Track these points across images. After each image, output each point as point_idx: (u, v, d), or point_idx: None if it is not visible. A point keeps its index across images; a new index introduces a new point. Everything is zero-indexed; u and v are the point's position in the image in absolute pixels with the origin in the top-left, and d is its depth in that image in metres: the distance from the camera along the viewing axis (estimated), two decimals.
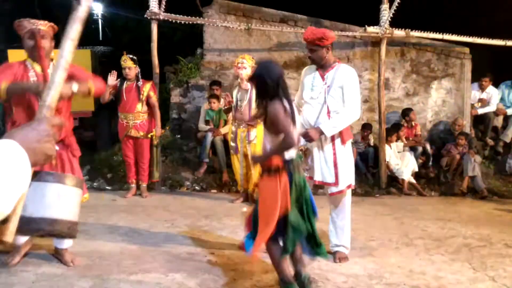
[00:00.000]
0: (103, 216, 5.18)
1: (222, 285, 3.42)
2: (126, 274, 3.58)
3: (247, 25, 7.43)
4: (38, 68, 3.55)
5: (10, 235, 1.02)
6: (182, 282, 3.46)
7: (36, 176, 1.25)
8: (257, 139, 5.81)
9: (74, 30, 1.19)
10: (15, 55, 8.81)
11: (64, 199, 4.20)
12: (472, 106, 8.71)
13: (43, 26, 3.49)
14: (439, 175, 7.81)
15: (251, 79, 3.16)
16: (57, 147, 0.96)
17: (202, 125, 7.45)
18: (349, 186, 4.02)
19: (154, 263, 3.83)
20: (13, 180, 0.86)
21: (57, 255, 3.81)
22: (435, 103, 8.56)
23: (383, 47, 7.45)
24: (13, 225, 1.01)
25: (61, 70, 1.15)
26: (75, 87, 3.36)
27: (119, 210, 5.57)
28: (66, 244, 3.74)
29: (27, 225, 3.98)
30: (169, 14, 6.95)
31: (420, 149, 7.89)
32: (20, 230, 1.08)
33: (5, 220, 0.99)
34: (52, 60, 3.63)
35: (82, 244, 4.17)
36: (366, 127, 7.84)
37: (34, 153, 0.95)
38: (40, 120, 1.02)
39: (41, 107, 1.11)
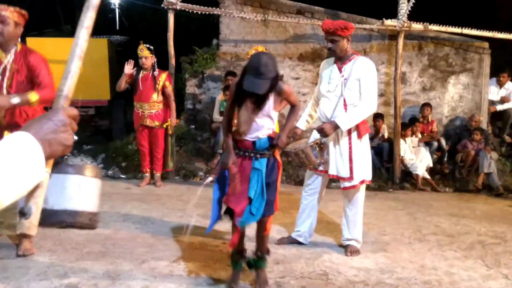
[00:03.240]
0: (117, 204, 5.24)
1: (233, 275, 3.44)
2: (139, 261, 3.62)
3: (263, 16, 7.40)
4: (1, 54, 3.52)
5: (33, 228, 1.03)
6: (194, 271, 3.49)
7: (56, 167, 1.23)
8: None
9: (88, 18, 1.17)
10: (34, 43, 8.91)
11: (84, 191, 4.25)
12: (491, 102, 8.58)
13: (4, 10, 3.42)
14: (454, 171, 7.73)
15: (274, 77, 2.93)
16: (76, 137, 0.96)
17: (216, 116, 7.46)
18: (362, 182, 4.00)
19: (166, 252, 3.87)
20: (20, 173, 0.86)
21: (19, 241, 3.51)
22: (452, 98, 8.46)
23: (401, 41, 7.36)
24: (35, 218, 1.02)
25: (76, 59, 1.14)
26: (15, 100, 3.28)
27: (133, 199, 5.63)
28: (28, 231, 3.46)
29: (49, 217, 4.04)
30: (185, 4, 6.95)
31: (435, 144, 7.81)
32: (43, 223, 1.10)
33: (27, 214, 1.00)
34: (16, 45, 3.56)
35: (96, 231, 4.23)
36: (377, 116, 7.69)
37: (49, 144, 0.94)
38: (56, 110, 1.02)
39: (58, 97, 1.10)
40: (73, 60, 1.14)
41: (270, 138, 3.12)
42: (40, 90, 3.44)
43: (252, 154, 3.09)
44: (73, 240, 4.00)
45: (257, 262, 3.28)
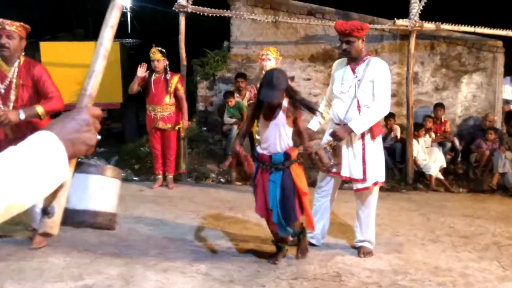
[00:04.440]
0: (130, 206, 5.27)
1: (246, 276, 3.45)
2: (152, 263, 3.64)
3: (274, 17, 7.40)
4: (4, 66, 3.64)
5: (55, 227, 1.01)
6: (206, 272, 3.50)
7: (79, 167, 1.20)
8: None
9: (113, 17, 1.15)
10: (47, 48, 9.02)
11: (105, 191, 4.30)
12: (505, 102, 8.49)
13: (10, 26, 3.57)
14: (468, 171, 7.65)
15: (285, 91, 3.38)
16: (99, 136, 0.96)
17: (227, 118, 7.49)
18: (375, 183, 3.97)
19: (179, 253, 3.89)
20: (43, 173, 0.85)
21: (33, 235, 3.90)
22: (465, 98, 8.38)
23: (413, 40, 7.31)
24: (58, 217, 1.01)
25: (101, 58, 1.12)
26: (22, 115, 3.46)
27: (146, 201, 5.66)
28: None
29: (71, 217, 4.08)
30: (196, 6, 6.98)
31: (448, 144, 7.74)
32: (64, 223, 1.08)
33: (50, 213, 0.99)
34: (19, 58, 3.70)
35: (109, 233, 4.25)
36: (388, 116, 7.54)
37: (72, 143, 0.94)
38: (79, 110, 1.01)
39: (82, 96, 1.09)
40: (97, 59, 1.12)
41: (285, 153, 3.44)
42: (45, 102, 3.63)
43: (268, 167, 3.48)
44: (87, 242, 4.04)
45: (298, 235, 3.76)
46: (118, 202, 4.45)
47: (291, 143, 3.49)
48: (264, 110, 3.45)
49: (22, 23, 3.67)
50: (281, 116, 3.40)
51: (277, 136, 3.42)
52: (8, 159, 0.80)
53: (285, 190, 3.44)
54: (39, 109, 3.56)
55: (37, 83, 3.67)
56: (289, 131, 3.46)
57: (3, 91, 3.64)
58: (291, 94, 3.40)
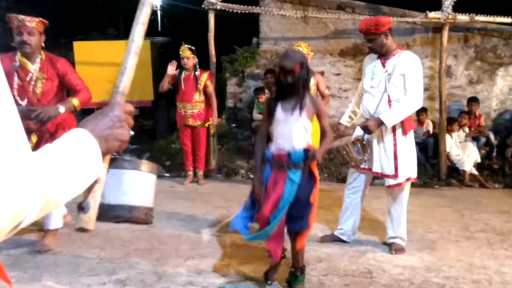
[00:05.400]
0: (162, 202, 5.34)
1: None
2: (183, 258, 3.69)
3: (303, 13, 7.37)
4: (28, 64, 3.70)
5: (91, 222, 1.03)
6: (237, 268, 3.53)
7: (113, 163, 1.22)
8: (313, 128, 5.76)
9: (144, 13, 1.16)
10: (81, 48, 9.23)
11: (140, 186, 4.37)
12: None
13: (30, 22, 3.61)
14: (504, 166, 7.45)
15: (297, 67, 2.94)
16: (132, 132, 0.98)
17: (256, 115, 7.49)
18: (408, 180, 3.90)
19: (210, 249, 3.93)
20: (79, 170, 0.87)
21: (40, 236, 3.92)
22: (501, 91, 8.15)
23: (445, 33, 7.15)
24: (93, 212, 1.03)
25: (132, 55, 1.14)
26: (61, 109, 3.58)
27: (177, 197, 5.74)
28: (53, 224, 3.81)
29: (107, 212, 4.19)
30: (225, 4, 7.01)
31: (483, 139, 7.55)
32: (100, 218, 1.09)
33: (86, 209, 1.02)
34: (41, 54, 3.77)
35: (142, 228, 4.34)
36: (421, 110, 7.38)
37: (106, 140, 0.96)
38: (112, 106, 1.03)
39: (114, 93, 1.11)
40: (129, 56, 1.14)
41: (305, 150, 3.02)
42: (77, 95, 3.76)
43: (286, 167, 3.01)
44: (121, 237, 4.12)
45: (294, 281, 3.22)
46: (154, 196, 4.53)
47: (310, 140, 3.08)
48: (283, 103, 3.06)
49: (41, 19, 3.70)
50: (303, 113, 3.03)
51: (297, 132, 3.02)
52: (45, 156, 0.82)
53: (303, 192, 3.00)
54: (75, 101, 3.70)
55: (63, 78, 3.78)
56: (309, 126, 3.09)
57: (28, 86, 3.70)
58: (305, 72, 2.99)
